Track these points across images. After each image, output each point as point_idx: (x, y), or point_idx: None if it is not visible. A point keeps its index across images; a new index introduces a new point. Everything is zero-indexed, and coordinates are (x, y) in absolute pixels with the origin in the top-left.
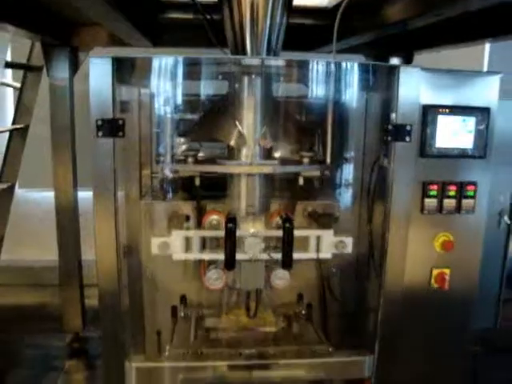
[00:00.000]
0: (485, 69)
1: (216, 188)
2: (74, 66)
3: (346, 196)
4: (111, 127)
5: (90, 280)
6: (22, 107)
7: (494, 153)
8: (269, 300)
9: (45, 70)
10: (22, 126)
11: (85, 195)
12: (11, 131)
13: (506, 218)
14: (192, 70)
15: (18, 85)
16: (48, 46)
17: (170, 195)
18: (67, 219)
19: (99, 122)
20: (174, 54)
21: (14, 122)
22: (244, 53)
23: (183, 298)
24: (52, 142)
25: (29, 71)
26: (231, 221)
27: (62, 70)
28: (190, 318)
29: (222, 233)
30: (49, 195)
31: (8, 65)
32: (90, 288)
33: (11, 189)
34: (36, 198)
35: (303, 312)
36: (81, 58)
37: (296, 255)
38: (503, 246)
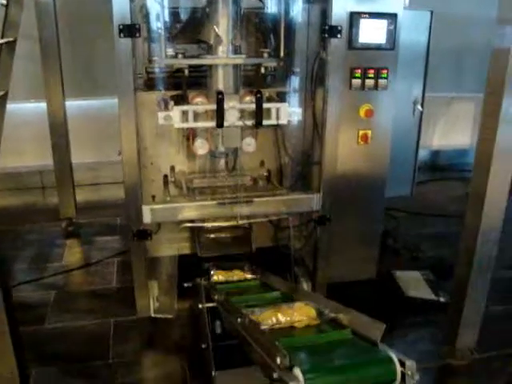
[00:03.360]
0: None
1: (196, 81)
2: None
3: (295, 80)
4: (130, 30)
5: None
6: (9, 22)
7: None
8: (241, 163)
9: None
10: (11, 39)
11: (68, 105)
12: (1, 44)
13: (418, 106)
14: None
15: (4, 1)
16: None
17: (161, 88)
18: (59, 126)
19: (121, 27)
20: None
21: (2, 36)
22: None
23: (172, 168)
24: (41, 56)
25: None
26: (220, 93)
27: None
28: (179, 181)
29: (210, 106)
30: (24, 106)
31: None
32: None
33: (5, 96)
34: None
35: (265, 174)
36: None
37: (264, 122)
38: (417, 131)
